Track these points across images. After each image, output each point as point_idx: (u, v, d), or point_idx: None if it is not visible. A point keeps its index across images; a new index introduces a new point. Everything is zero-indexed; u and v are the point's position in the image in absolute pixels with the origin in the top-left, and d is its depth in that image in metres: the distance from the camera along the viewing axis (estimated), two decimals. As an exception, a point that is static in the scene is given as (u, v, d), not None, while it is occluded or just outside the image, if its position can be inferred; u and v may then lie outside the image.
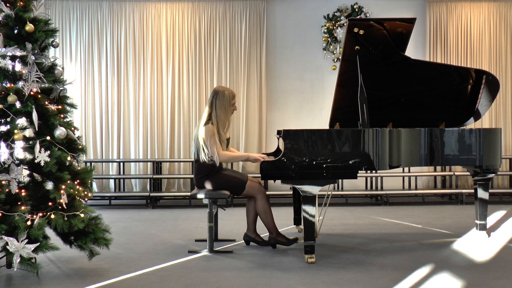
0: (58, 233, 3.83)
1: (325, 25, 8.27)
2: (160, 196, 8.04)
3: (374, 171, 7.31)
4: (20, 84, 3.76)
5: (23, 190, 3.71)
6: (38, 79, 3.80)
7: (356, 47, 4.68)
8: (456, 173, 7.93)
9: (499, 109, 8.41)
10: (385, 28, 4.74)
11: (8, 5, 3.80)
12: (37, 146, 3.65)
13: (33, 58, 3.79)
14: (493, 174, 4.88)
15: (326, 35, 8.28)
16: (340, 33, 8.18)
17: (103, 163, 8.19)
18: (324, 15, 8.29)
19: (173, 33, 8.20)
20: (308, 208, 4.13)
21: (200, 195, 4.52)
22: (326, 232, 5.40)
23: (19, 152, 3.74)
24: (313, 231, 4.17)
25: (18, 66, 3.81)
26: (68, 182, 3.77)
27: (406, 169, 7.99)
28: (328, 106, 7.13)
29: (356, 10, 8.24)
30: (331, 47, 8.28)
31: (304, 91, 8.39)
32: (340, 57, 6.09)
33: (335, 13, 8.26)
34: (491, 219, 6.02)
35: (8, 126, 3.70)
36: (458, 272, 3.88)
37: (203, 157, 4.47)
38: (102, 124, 8.18)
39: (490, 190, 5.16)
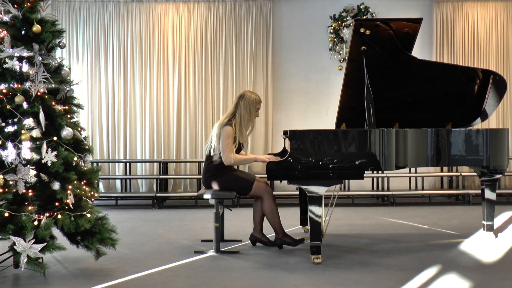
0: (65, 233, 3.84)
1: (331, 26, 8.26)
2: (167, 197, 8.05)
3: (380, 172, 7.28)
4: (27, 84, 3.78)
5: (30, 190, 3.72)
6: (45, 80, 3.81)
7: (363, 47, 4.67)
8: (463, 174, 7.90)
9: (506, 109, 8.37)
10: (392, 28, 4.72)
11: (15, 6, 3.82)
12: (44, 146, 3.67)
13: (40, 58, 3.80)
14: (501, 175, 4.87)
15: (332, 36, 8.27)
16: (347, 34, 8.17)
17: (110, 163, 8.21)
18: (330, 15, 8.28)
19: (180, 34, 8.22)
20: (315, 209, 4.12)
21: (207, 196, 4.52)
22: (332, 233, 5.39)
23: (26, 152, 3.76)
24: (319, 232, 4.17)
25: (25, 67, 3.83)
26: (75, 182, 3.78)
27: (412, 169, 7.96)
28: (334, 106, 7.11)
29: (363, 10, 8.22)
30: (337, 47, 8.27)
31: (310, 91, 8.38)
32: (346, 58, 6.07)
33: (341, 13, 8.25)
34: (498, 220, 6.00)
35: (15, 127, 3.72)
36: (465, 273, 3.86)
37: (216, 152, 4.50)
38: (108, 125, 8.20)
39: (497, 191, 5.14)
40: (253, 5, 8.20)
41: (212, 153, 4.57)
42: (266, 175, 4.29)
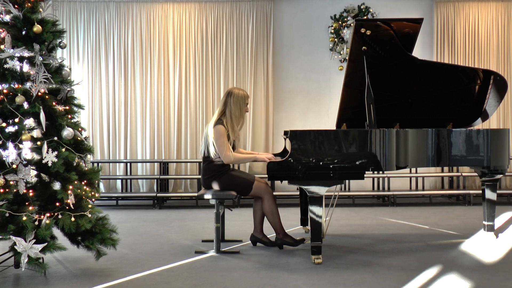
0: (66, 233, 3.85)
1: (332, 26, 8.26)
2: (167, 197, 8.06)
3: (381, 172, 7.30)
4: (28, 85, 3.78)
5: (30, 191, 3.72)
6: (45, 80, 3.81)
7: (363, 47, 4.67)
8: (463, 174, 7.89)
9: (507, 109, 8.37)
10: (392, 29, 4.72)
11: (16, 6, 3.82)
12: (45, 146, 3.67)
13: (41, 59, 3.80)
14: (501, 175, 4.86)
15: (333, 36, 8.26)
16: (347, 34, 8.17)
17: (110, 163, 8.22)
18: (331, 15, 8.28)
19: (180, 34, 8.22)
20: (315, 209, 4.12)
21: (207, 196, 4.52)
22: (333, 233, 5.39)
23: (27, 152, 3.75)
24: (320, 232, 4.16)
25: (26, 67, 3.83)
26: (76, 182, 3.79)
27: (413, 169, 7.96)
28: (335, 106, 7.12)
29: (363, 10, 8.22)
30: (338, 47, 8.27)
31: (311, 91, 8.38)
32: (347, 58, 6.08)
33: (342, 14, 8.25)
34: (499, 220, 5.99)
35: (16, 127, 3.71)
36: (466, 273, 3.86)
37: (212, 152, 4.49)
38: (109, 125, 8.20)
39: (498, 191, 5.14)
40: (253, 5, 8.20)
41: (207, 154, 4.56)
42: (266, 175, 4.28)
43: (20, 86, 3.75)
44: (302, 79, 8.37)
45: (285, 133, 5.13)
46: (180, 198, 8.25)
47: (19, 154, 3.68)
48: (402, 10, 8.24)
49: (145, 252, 4.63)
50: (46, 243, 3.56)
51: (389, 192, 7.64)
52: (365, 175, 4.24)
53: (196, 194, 6.56)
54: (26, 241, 3.50)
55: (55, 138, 3.77)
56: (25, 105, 3.73)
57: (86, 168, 4.02)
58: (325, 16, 8.32)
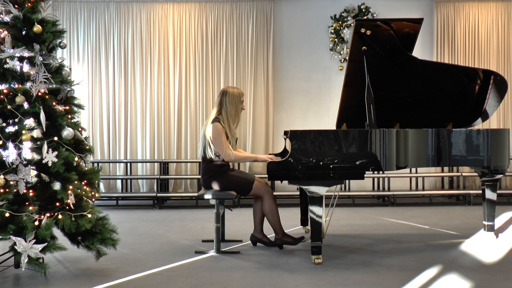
0: (66, 233, 3.85)
1: (332, 26, 8.26)
2: (167, 197, 8.06)
3: (381, 172, 7.29)
4: (28, 85, 3.78)
5: (31, 191, 3.72)
6: (45, 80, 3.81)
7: (363, 47, 4.67)
8: (463, 174, 7.89)
9: (507, 109, 8.37)
10: (392, 29, 4.72)
11: (16, 6, 3.82)
12: (45, 146, 3.67)
13: (41, 59, 3.80)
14: (501, 175, 4.86)
15: (333, 36, 8.26)
16: (347, 34, 8.17)
17: (110, 163, 8.22)
18: (331, 15, 8.28)
19: (180, 34, 8.22)
20: (315, 209, 4.12)
21: (207, 196, 4.52)
22: (333, 233, 5.39)
23: (27, 152, 3.75)
24: (320, 232, 4.16)
25: (26, 67, 3.83)
26: (76, 182, 3.79)
27: (413, 169, 7.96)
28: (335, 106, 7.12)
29: (363, 10, 8.22)
30: (338, 47, 8.27)
31: (311, 91, 8.38)
32: (347, 58, 6.08)
33: (342, 14, 8.25)
34: (499, 220, 5.99)
35: (16, 127, 3.72)
36: (466, 273, 3.86)
37: (210, 153, 4.48)
38: (109, 125, 8.20)
39: (498, 191, 5.14)
40: (253, 5, 8.19)
41: (204, 154, 4.55)
42: (266, 175, 4.28)
43: (20, 86, 3.76)
44: (302, 79, 8.37)
45: (285, 133, 5.13)
46: (180, 198, 8.25)
47: (19, 154, 3.68)
48: (402, 10, 8.24)
49: (145, 252, 4.63)
50: (46, 243, 3.56)
51: (389, 192, 7.64)
52: (365, 175, 4.24)
53: (196, 194, 6.57)
54: (26, 241, 3.50)
55: (55, 138, 3.77)
56: (25, 105, 3.73)
57: (86, 168, 4.02)
58: (325, 16, 8.32)
